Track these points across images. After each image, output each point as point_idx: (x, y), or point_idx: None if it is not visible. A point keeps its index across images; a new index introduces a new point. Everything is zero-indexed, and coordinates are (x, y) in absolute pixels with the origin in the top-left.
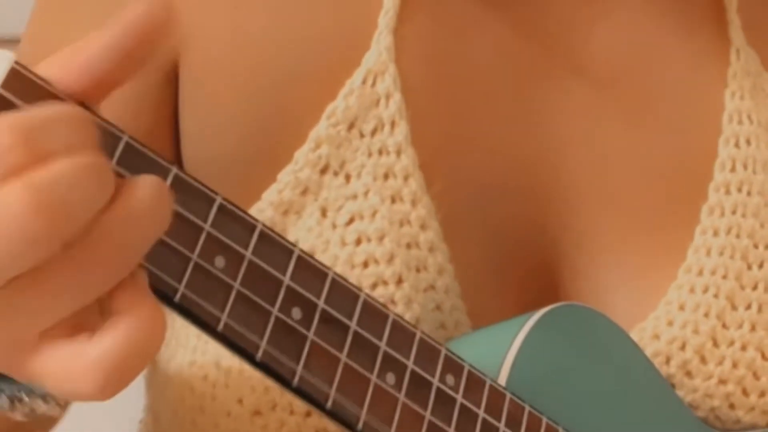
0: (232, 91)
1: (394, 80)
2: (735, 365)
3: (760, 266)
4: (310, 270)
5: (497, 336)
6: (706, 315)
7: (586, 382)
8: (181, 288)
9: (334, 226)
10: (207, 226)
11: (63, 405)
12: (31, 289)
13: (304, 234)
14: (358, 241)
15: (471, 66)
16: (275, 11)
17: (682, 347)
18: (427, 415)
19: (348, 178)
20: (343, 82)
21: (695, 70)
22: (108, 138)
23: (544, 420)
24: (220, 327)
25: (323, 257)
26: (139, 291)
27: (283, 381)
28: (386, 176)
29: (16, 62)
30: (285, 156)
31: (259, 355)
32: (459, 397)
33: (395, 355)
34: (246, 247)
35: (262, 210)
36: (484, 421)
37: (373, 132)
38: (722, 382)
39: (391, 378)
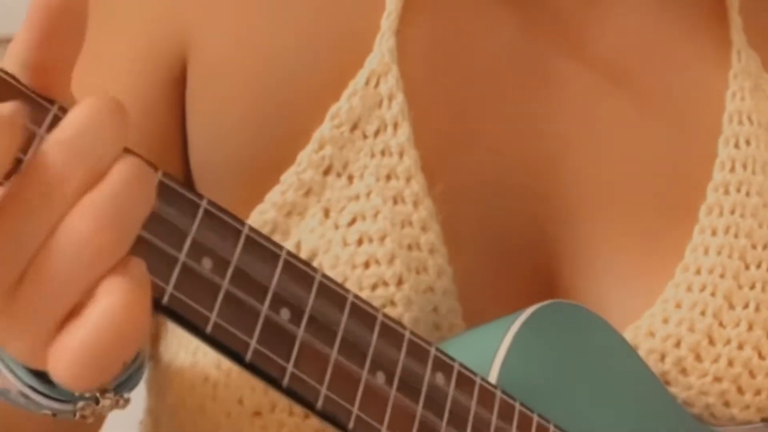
0: (236, 93)
1: (396, 81)
2: (731, 363)
3: (758, 266)
4: (298, 273)
5: (487, 336)
6: (703, 313)
7: (575, 379)
8: (169, 289)
9: (337, 227)
10: (192, 231)
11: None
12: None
13: (307, 235)
14: (360, 242)
15: (473, 67)
16: (280, 14)
17: (677, 344)
18: (418, 413)
19: (351, 179)
20: (346, 84)
21: (696, 71)
22: None
23: (535, 417)
24: (209, 328)
25: (325, 257)
26: (127, 279)
27: (273, 382)
28: (389, 177)
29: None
30: (288, 157)
31: (249, 355)
32: (449, 395)
33: (385, 354)
34: (233, 252)
35: (265, 211)
36: (475, 418)
37: (376, 133)
38: (717, 379)
39: (381, 377)
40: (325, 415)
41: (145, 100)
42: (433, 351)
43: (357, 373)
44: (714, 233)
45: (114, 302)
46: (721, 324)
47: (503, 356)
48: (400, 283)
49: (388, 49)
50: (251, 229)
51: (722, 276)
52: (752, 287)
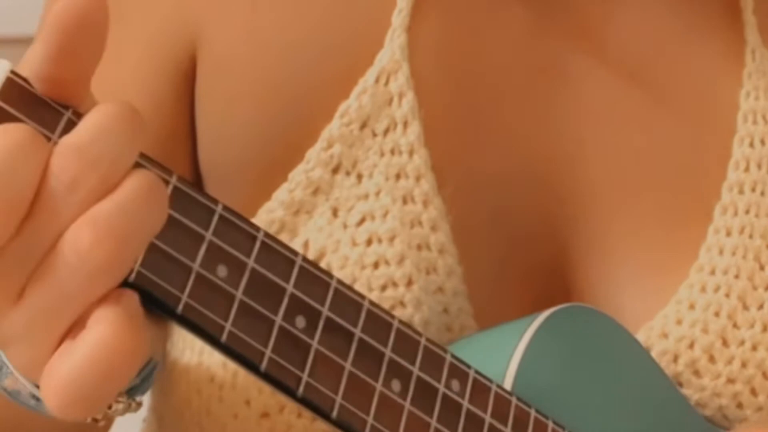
0: (245, 90)
1: (407, 79)
2: (744, 365)
3: None
4: (313, 279)
5: (501, 339)
6: (717, 314)
7: (590, 383)
8: (184, 298)
9: (345, 226)
10: (208, 236)
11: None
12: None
13: (315, 234)
14: (369, 242)
15: (485, 65)
16: (290, 10)
17: (691, 346)
18: (434, 421)
19: (360, 177)
20: (356, 81)
21: (711, 70)
22: None
23: (550, 424)
24: (224, 337)
25: (334, 257)
26: (121, 309)
27: (288, 391)
28: (398, 176)
29: (13, 72)
30: (296, 155)
31: (264, 365)
32: (465, 403)
33: (400, 362)
34: (248, 257)
35: (273, 210)
36: (491, 426)
37: (386, 131)
38: (731, 381)
39: (396, 385)
40: (340, 425)
41: (153, 94)
42: (448, 358)
43: (372, 381)
44: (729, 233)
45: (105, 335)
46: (735, 325)
47: (519, 359)
48: (409, 283)
49: (398, 47)
50: (266, 234)
51: (737, 277)
52: (766, 288)
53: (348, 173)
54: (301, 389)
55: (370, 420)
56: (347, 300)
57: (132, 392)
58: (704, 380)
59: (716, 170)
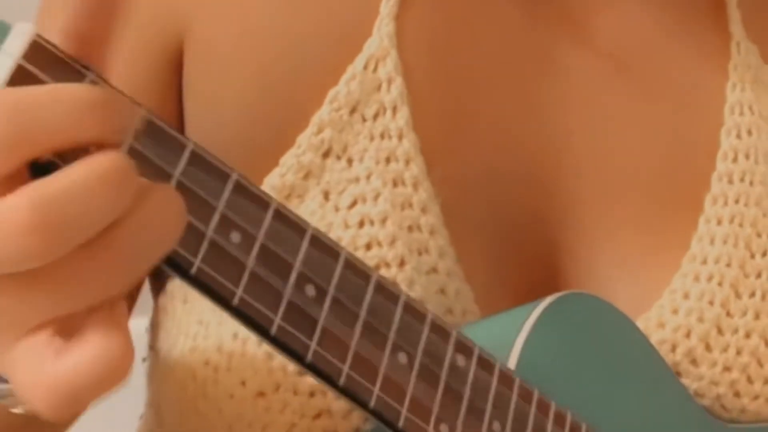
0: (235, 76)
1: (395, 66)
2: (739, 352)
3: (764, 255)
4: (324, 249)
5: (505, 323)
6: (711, 303)
7: (592, 369)
8: (197, 262)
9: (337, 209)
10: (222, 203)
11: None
12: (22, 285)
13: (307, 217)
14: (361, 224)
15: (474, 52)
16: None
17: (687, 335)
18: (438, 394)
19: (350, 161)
20: (345, 68)
21: (697, 63)
22: None
23: (553, 405)
24: (235, 301)
25: None
26: (114, 321)
27: (297, 356)
28: (388, 160)
29: (37, 34)
30: (287, 140)
31: (274, 330)
32: (470, 378)
33: (407, 334)
34: (260, 225)
35: None
36: (494, 402)
37: (375, 116)
38: (727, 369)
39: (403, 357)
40: (346, 392)
41: (139, 81)
42: (454, 333)
43: (379, 352)
44: (719, 223)
45: (107, 342)
46: (728, 313)
47: (521, 345)
48: (402, 264)
49: (387, 34)
50: (279, 204)
51: (728, 265)
52: (758, 276)
53: (339, 157)
54: (309, 355)
55: (376, 390)
56: (357, 272)
57: None
58: (702, 369)
59: (705, 161)
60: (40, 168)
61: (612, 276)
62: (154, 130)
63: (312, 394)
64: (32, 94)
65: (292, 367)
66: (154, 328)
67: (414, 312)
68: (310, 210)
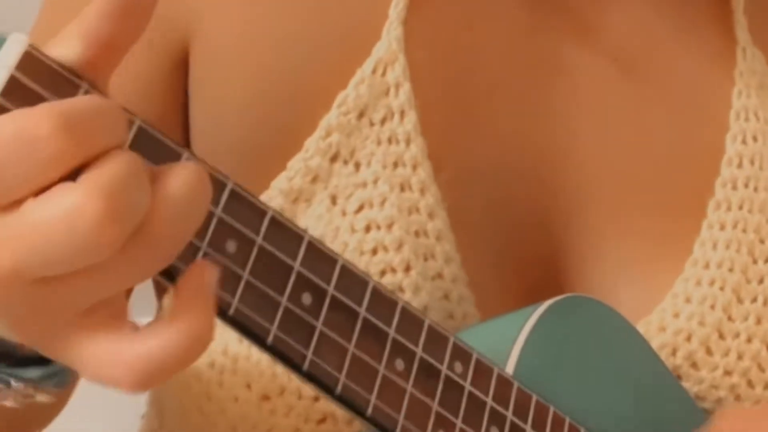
0: (243, 80)
1: (403, 70)
2: (740, 357)
3: (766, 260)
4: (321, 256)
5: (504, 327)
6: (712, 307)
7: (591, 372)
8: None
9: (344, 214)
10: (218, 211)
11: (56, 395)
12: (77, 276)
13: (314, 221)
14: (368, 229)
15: (481, 57)
16: (287, 2)
17: (688, 339)
18: (436, 402)
19: (358, 166)
20: (353, 72)
21: (703, 69)
22: None
23: (552, 409)
24: (231, 311)
25: (333, 244)
26: (204, 294)
27: (294, 365)
28: (395, 165)
29: (31, 45)
30: (295, 144)
31: (270, 339)
32: (467, 385)
33: (404, 341)
34: (257, 233)
35: (272, 198)
36: (492, 409)
37: (383, 121)
38: (728, 373)
39: (399, 364)
40: (343, 401)
41: (143, 82)
42: (452, 339)
43: (376, 360)
44: (722, 228)
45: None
46: (730, 318)
47: (520, 349)
48: (407, 269)
49: (395, 38)
50: (276, 211)
51: (731, 270)
52: (760, 281)
53: (346, 162)
54: (306, 364)
55: (373, 398)
56: (353, 279)
57: (42, 382)
58: (702, 372)
59: (709, 166)
60: None
61: (615, 279)
62: (149, 139)
63: (316, 399)
64: (76, 103)
65: None
66: None
67: (411, 318)
68: (317, 214)
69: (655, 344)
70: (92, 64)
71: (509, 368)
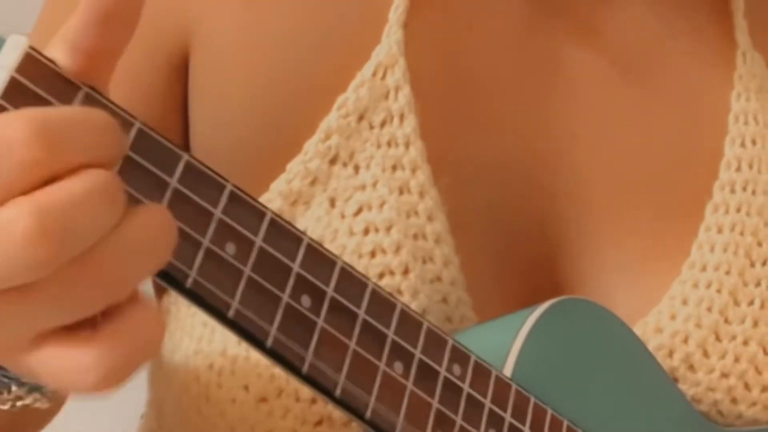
0: (243, 82)
1: (403, 73)
2: (737, 359)
3: (764, 263)
4: (320, 258)
5: (502, 329)
6: (709, 309)
7: (589, 374)
8: (193, 274)
9: (343, 216)
10: (218, 213)
11: (53, 398)
12: (21, 299)
13: (313, 224)
14: (366, 231)
15: (481, 60)
16: (287, 4)
17: (685, 341)
18: (435, 403)
19: (357, 169)
20: (353, 75)
21: (702, 72)
22: (120, 123)
23: (549, 411)
24: (231, 313)
25: (331, 247)
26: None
27: (293, 368)
28: (394, 168)
29: (31, 47)
30: (294, 147)
31: (270, 342)
32: (466, 387)
33: (403, 343)
34: (256, 235)
35: (271, 200)
36: (491, 411)
37: (383, 124)
38: (724, 375)
39: (399, 366)
40: (343, 403)
41: (142, 85)
42: (450, 341)
43: (375, 362)
44: (720, 231)
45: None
46: (726, 320)
47: (518, 351)
48: (406, 272)
49: (395, 41)
50: (275, 213)
51: (728, 273)
52: (757, 284)
53: (345, 164)
54: (305, 367)
55: (372, 400)
56: (352, 281)
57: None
58: (699, 375)
59: (708, 169)
60: None
61: (612, 281)
62: (150, 142)
63: (314, 401)
64: (58, 114)
65: None
66: None
67: (410, 320)
68: (315, 216)
69: (651, 346)
70: (83, 74)
71: (507, 370)
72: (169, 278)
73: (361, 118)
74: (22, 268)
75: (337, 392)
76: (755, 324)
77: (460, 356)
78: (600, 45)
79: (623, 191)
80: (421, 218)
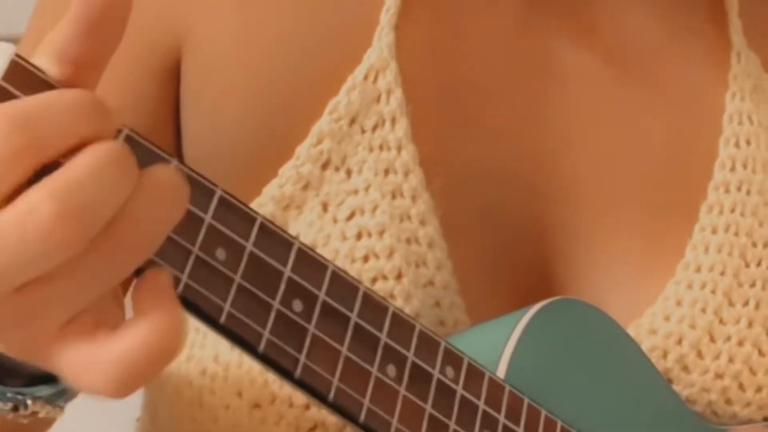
0: (234, 88)
1: (395, 77)
2: (731, 360)
3: (758, 264)
4: (311, 263)
5: (494, 331)
6: (703, 310)
7: (582, 375)
8: (184, 279)
9: (335, 221)
10: (208, 218)
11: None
12: (51, 282)
13: (305, 229)
14: (359, 236)
15: (473, 63)
16: (278, 8)
17: (679, 342)
18: (428, 407)
19: (349, 173)
20: (345, 78)
21: (697, 72)
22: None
23: (543, 412)
24: (223, 319)
25: (324, 251)
26: (163, 292)
27: (286, 373)
28: (387, 172)
29: (17, 55)
30: (286, 151)
31: (261, 347)
32: (459, 389)
33: (396, 347)
34: (247, 240)
35: (263, 205)
36: (484, 413)
37: (374, 128)
38: (719, 376)
39: (391, 370)
40: (336, 407)
41: (134, 90)
42: (443, 344)
43: (368, 366)
44: (714, 231)
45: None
46: (721, 321)
47: (511, 353)
48: (399, 276)
49: (386, 45)
50: (265, 218)
51: (722, 274)
52: (752, 285)
53: (337, 169)
54: (298, 372)
55: (366, 404)
56: (344, 285)
57: (55, 398)
58: (693, 376)
59: (702, 170)
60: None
61: (606, 282)
62: (137, 148)
63: (307, 407)
64: (30, 102)
65: None
66: None
67: (402, 323)
68: (308, 221)
69: (645, 347)
70: (70, 83)
71: (500, 372)
72: None
73: (352, 121)
74: (55, 251)
75: (331, 396)
76: (750, 325)
77: (453, 358)
78: (594, 46)
79: (617, 193)
80: (413, 222)
